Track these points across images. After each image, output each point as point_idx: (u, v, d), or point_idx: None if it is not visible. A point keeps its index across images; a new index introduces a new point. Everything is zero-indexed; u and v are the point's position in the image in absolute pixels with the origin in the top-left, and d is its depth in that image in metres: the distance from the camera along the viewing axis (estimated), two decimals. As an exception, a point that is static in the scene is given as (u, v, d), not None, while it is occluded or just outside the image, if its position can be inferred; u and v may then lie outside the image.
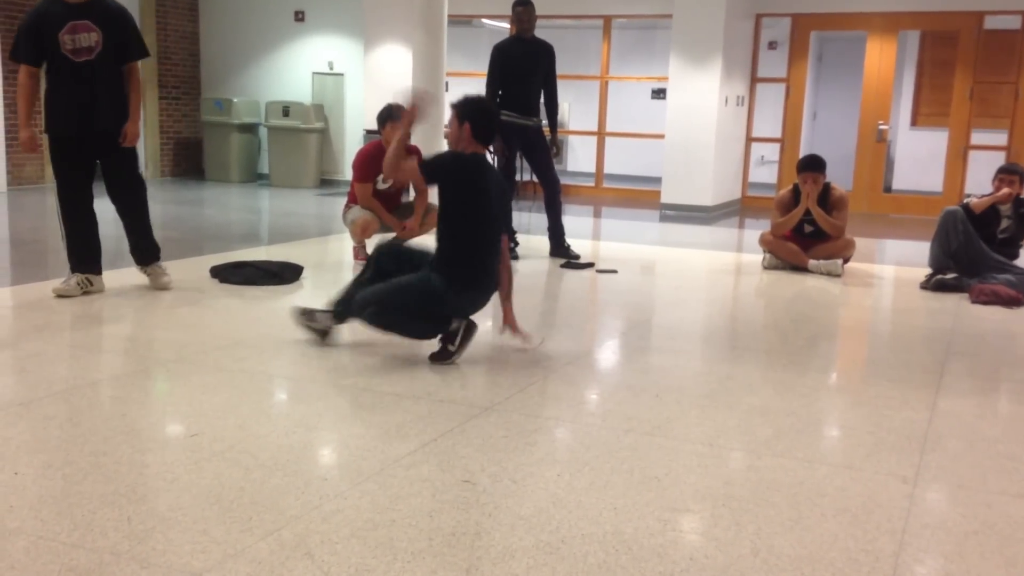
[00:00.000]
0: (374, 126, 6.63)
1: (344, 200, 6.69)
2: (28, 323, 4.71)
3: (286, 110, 12.09)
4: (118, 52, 5.10)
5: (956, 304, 5.86)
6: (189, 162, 12.94)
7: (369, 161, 6.36)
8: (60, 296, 5.04)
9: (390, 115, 6.27)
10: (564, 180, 8.11)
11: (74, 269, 5.17)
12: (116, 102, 5.13)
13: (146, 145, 12.30)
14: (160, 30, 12.28)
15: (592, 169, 13.01)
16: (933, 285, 6.28)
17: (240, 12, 12.78)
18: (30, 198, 9.79)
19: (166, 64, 12.45)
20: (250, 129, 12.60)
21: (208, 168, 12.66)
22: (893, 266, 7.62)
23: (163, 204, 10.06)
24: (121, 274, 5.67)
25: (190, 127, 12.91)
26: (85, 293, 5.11)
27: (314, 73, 12.54)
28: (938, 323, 5.38)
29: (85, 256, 5.19)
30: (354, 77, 12.39)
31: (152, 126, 12.35)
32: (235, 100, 12.35)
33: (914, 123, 13.63)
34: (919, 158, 13.10)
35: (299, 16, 12.59)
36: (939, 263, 6.39)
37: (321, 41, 12.50)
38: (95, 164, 5.19)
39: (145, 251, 5.43)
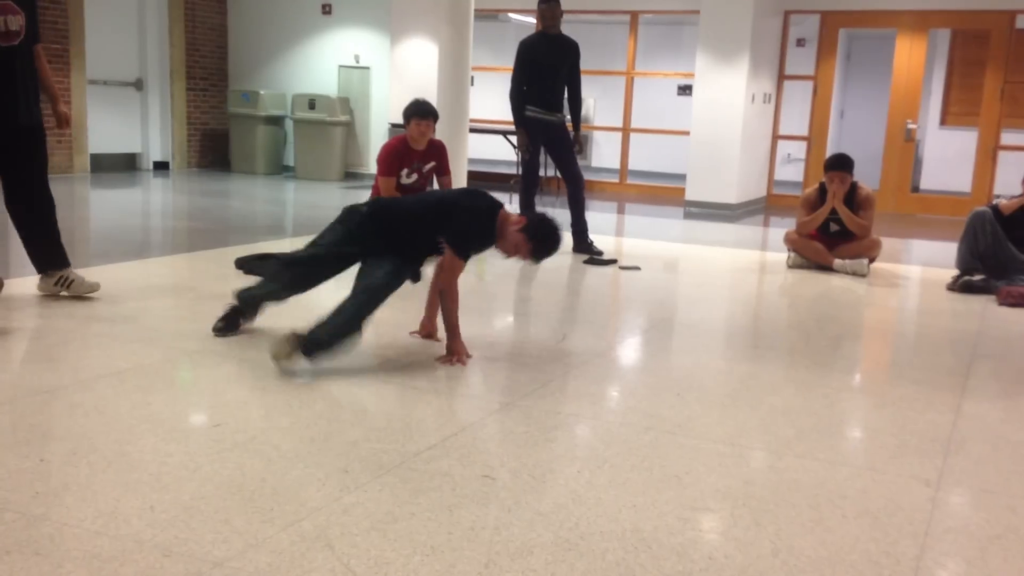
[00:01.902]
0: (399, 120, 6.64)
1: (368, 193, 6.71)
2: (54, 312, 4.76)
3: (312, 103, 12.13)
4: (32, 33, 4.76)
5: (983, 306, 5.80)
6: (215, 153, 13.03)
7: (393, 155, 6.37)
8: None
9: (416, 111, 6.28)
10: (588, 176, 8.11)
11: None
12: (36, 90, 4.82)
13: (173, 136, 12.40)
14: (188, 22, 12.36)
15: (617, 165, 12.97)
16: (960, 287, 6.22)
17: (268, 5, 12.84)
18: (59, 188, 9.87)
19: (194, 56, 12.53)
20: (276, 121, 12.67)
21: (234, 160, 12.74)
22: (919, 267, 7.55)
23: (189, 195, 10.14)
24: (125, 268, 5.72)
25: (217, 119, 13.00)
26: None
27: (340, 66, 12.59)
28: (964, 325, 5.33)
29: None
30: (380, 70, 12.42)
31: (179, 117, 12.44)
32: (262, 92, 12.41)
33: (943, 122, 13.49)
34: (948, 158, 12.97)
35: (326, 9, 12.64)
36: (966, 264, 6.32)
37: (347, 34, 12.55)
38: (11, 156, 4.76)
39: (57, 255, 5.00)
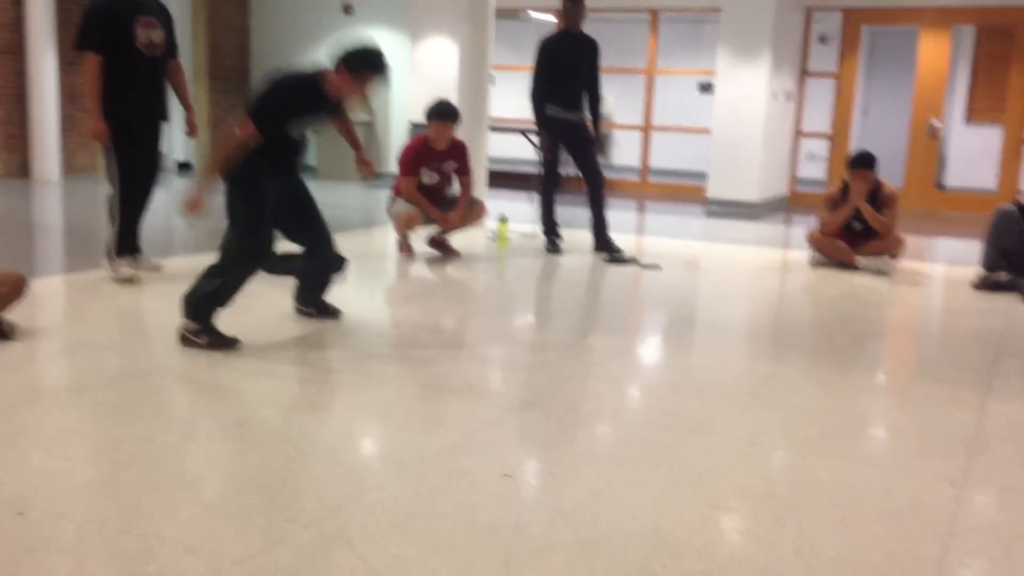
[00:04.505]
0: (420, 119, 6.66)
1: (389, 193, 6.73)
2: (79, 310, 4.81)
3: (333, 103, 12.17)
4: (170, 50, 5.30)
5: (1008, 305, 5.74)
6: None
7: (414, 156, 6.40)
8: (122, 281, 5.15)
9: (435, 113, 6.31)
10: (609, 175, 8.09)
11: (122, 253, 5.26)
12: (165, 96, 5.36)
13: (198, 133, 12.48)
14: (211, 23, 12.43)
15: (637, 164, 12.93)
16: (985, 285, 6.16)
17: (289, 5, 12.89)
18: (84, 187, 9.97)
19: (217, 56, 12.61)
20: (298, 122, 12.71)
21: (256, 160, 12.81)
22: (944, 265, 7.48)
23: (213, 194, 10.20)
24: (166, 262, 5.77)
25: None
26: (132, 279, 5.20)
27: (361, 66, 12.63)
28: (989, 324, 5.27)
29: (133, 240, 5.34)
30: (401, 70, 12.44)
31: (202, 117, 12.51)
32: (283, 93, 12.45)
33: (969, 119, 13.35)
34: (973, 155, 12.82)
35: (348, 9, 12.68)
36: (992, 262, 6.26)
37: (368, 34, 12.59)
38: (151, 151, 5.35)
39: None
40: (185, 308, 4.00)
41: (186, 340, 3.99)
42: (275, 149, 4.07)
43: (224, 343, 4.00)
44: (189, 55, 12.19)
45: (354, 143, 4.80)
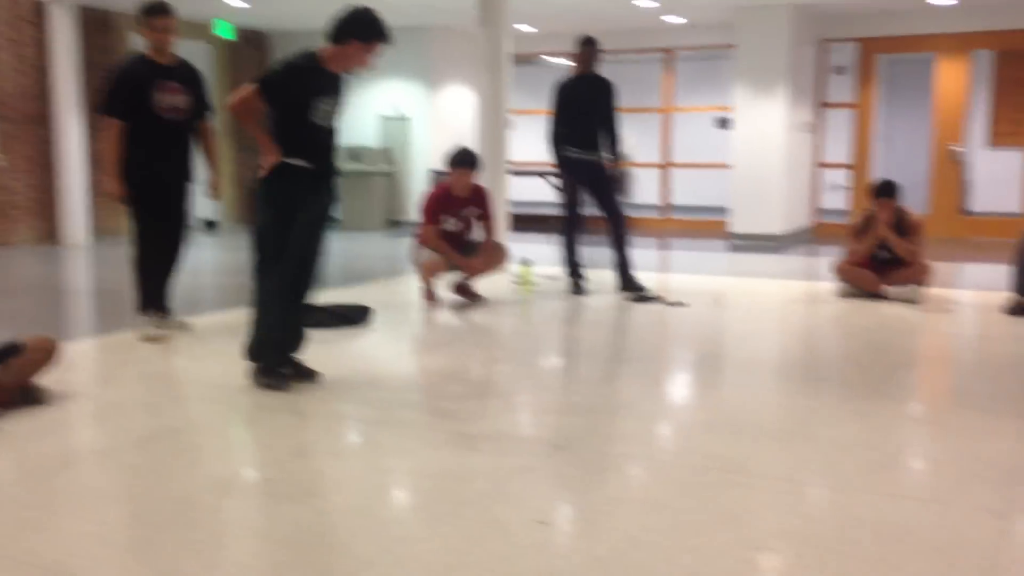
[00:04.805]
0: (440, 167, 6.71)
1: (412, 241, 6.76)
2: (109, 372, 4.84)
3: (355, 154, 12.31)
4: (197, 112, 5.37)
5: (1043, 328, 5.65)
6: (262, 209, 13.25)
7: (436, 203, 6.44)
8: (150, 340, 5.19)
9: (455, 161, 6.36)
10: (630, 213, 8.10)
11: (147, 311, 5.31)
12: (189, 158, 5.42)
13: (222, 195, 12.64)
14: (233, 83, 12.64)
15: (658, 201, 12.94)
16: (1016, 310, 6.07)
17: (308, 61, 13.11)
18: (112, 250, 10.10)
19: (239, 115, 12.82)
20: (320, 174, 12.85)
21: (280, 214, 12.94)
22: (973, 291, 7.39)
23: (236, 251, 10.30)
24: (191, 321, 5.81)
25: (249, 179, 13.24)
26: (157, 338, 5.23)
27: (382, 117, 12.78)
28: (1023, 349, 5.20)
29: (158, 299, 5.39)
30: (420, 119, 12.58)
31: (227, 176, 12.68)
32: (305, 147, 12.60)
33: (993, 143, 13.26)
34: (999, 179, 12.72)
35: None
36: (1022, 287, 6.17)
37: (388, 85, 12.74)
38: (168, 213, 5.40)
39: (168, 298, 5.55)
40: (251, 353, 4.15)
41: (262, 386, 4.11)
42: (301, 143, 4.05)
43: (280, 383, 4.09)
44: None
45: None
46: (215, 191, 5.60)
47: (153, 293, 5.37)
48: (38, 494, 3.04)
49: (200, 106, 5.39)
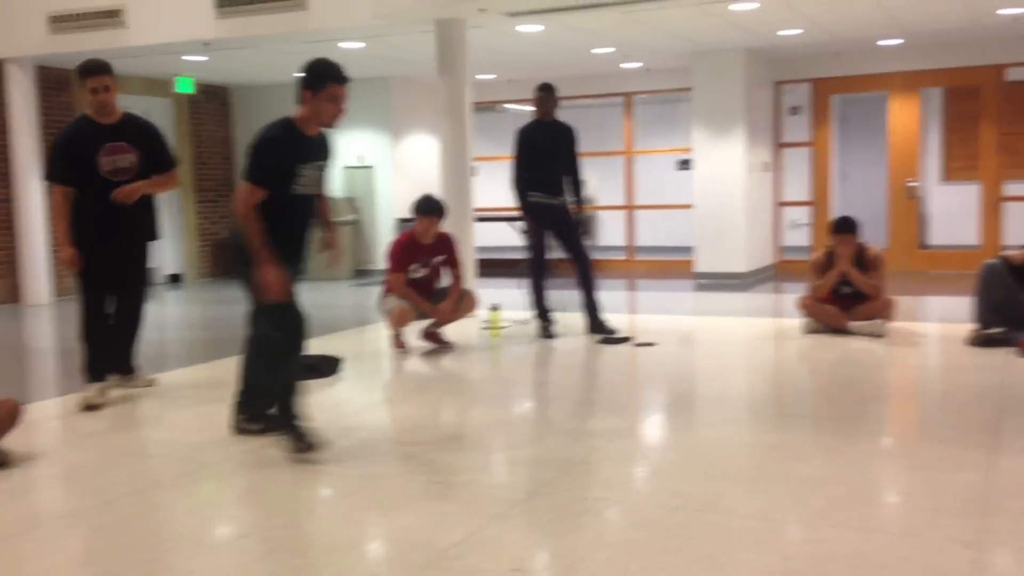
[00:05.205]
0: (406, 214, 6.73)
1: (380, 290, 6.76)
2: (73, 433, 4.76)
3: (319, 205, 12.30)
4: (152, 168, 5.18)
5: (1004, 359, 5.74)
6: (227, 263, 13.19)
7: (402, 251, 6.45)
8: (89, 408, 4.98)
9: (420, 208, 6.39)
10: (596, 255, 8.16)
11: (93, 379, 5.12)
12: (145, 217, 5.24)
13: (184, 249, 12.56)
14: (194, 136, 12.64)
15: (623, 243, 13.05)
16: (979, 340, 6.17)
17: (269, 115, 13.05)
18: (74, 309, 9.98)
19: (202, 169, 12.78)
20: (285, 226, 12.81)
21: (245, 266, 12.88)
22: (936, 323, 7.50)
23: (203, 304, 10.23)
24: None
25: (226, 228, 13.19)
26: (98, 405, 5.03)
27: (345, 167, 12.81)
28: (988, 379, 5.27)
29: (115, 361, 5.25)
30: (384, 168, 12.62)
31: (191, 230, 12.62)
32: (269, 198, 12.58)
33: (946, 178, 13.57)
34: (954, 212, 13.00)
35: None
36: (984, 318, 6.28)
37: (350, 136, 12.78)
38: (115, 275, 5.21)
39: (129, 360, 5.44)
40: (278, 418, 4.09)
41: (292, 450, 3.99)
42: (279, 212, 3.97)
43: (305, 444, 3.97)
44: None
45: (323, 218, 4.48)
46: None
47: (96, 359, 5.15)
48: (4, 559, 2.97)
49: (155, 161, 5.19)
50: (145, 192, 5.14)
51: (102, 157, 5.01)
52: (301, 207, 4.11)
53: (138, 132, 5.17)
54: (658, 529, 3.07)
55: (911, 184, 11.33)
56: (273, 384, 4.13)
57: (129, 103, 12.22)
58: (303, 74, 3.99)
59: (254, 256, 3.91)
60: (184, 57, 10.19)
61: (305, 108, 4.00)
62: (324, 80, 3.94)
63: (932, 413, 4.78)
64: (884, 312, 6.73)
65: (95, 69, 5.00)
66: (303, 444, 3.96)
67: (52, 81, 10.69)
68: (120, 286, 5.26)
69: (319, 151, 4.14)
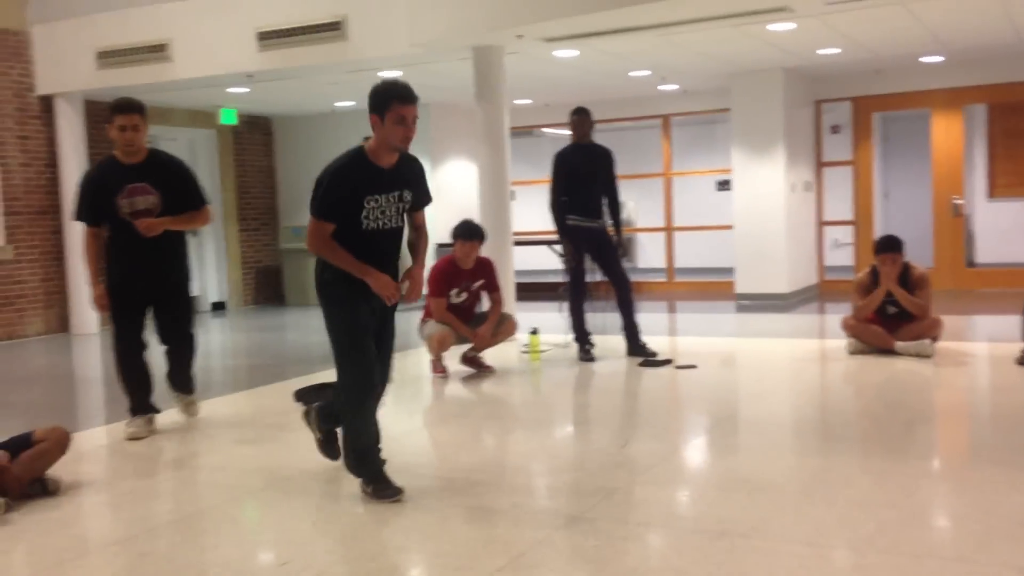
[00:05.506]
0: (446, 240, 6.77)
1: (419, 315, 6.79)
2: (120, 461, 4.83)
3: (360, 232, 12.39)
4: (179, 206, 5.09)
5: (1057, 377, 5.62)
6: (270, 289, 13.33)
7: (442, 276, 6.48)
8: (133, 439, 5.04)
9: (460, 233, 6.42)
10: (636, 277, 8.14)
11: (136, 413, 5.16)
12: (173, 254, 5.19)
13: (228, 276, 12.73)
14: (238, 166, 12.84)
15: (663, 265, 12.99)
16: (1029, 359, 6.04)
17: (312, 144, 13.31)
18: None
19: (245, 198, 12.97)
20: (326, 253, 12.93)
21: (288, 293, 13.01)
22: (985, 343, 7.36)
23: (247, 332, 10.35)
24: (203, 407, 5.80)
25: (270, 255, 13.35)
26: (137, 437, 5.06)
27: (384, 194, 12.93)
28: (1040, 399, 5.15)
29: (146, 398, 5.25)
30: (423, 194, 12.71)
31: (234, 258, 12.79)
32: (311, 226, 12.71)
33: (992, 195, 13.35)
34: (1001, 230, 12.78)
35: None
36: (1033, 336, 6.15)
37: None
38: (147, 310, 5.19)
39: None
40: (348, 467, 3.87)
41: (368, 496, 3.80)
42: (351, 247, 3.79)
43: (390, 492, 3.75)
44: (219, 199, 12.57)
45: (413, 249, 4.13)
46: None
47: (136, 394, 5.18)
48: (51, 587, 3.01)
49: (181, 200, 5.08)
50: (168, 228, 5.04)
51: (121, 199, 4.94)
52: (377, 241, 3.85)
53: (163, 172, 5.08)
54: (702, 555, 3.03)
55: (956, 201, 11.16)
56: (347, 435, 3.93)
57: (174, 135, 12.47)
58: (371, 100, 3.74)
59: (353, 275, 3.78)
60: (228, 89, 10.37)
61: (375, 136, 3.77)
62: (389, 101, 3.69)
63: (982, 435, 4.68)
64: (931, 332, 6.61)
65: (126, 107, 4.96)
66: (388, 491, 3.77)
67: (100, 115, 10.93)
68: (160, 321, 5.23)
69: (395, 181, 3.83)
